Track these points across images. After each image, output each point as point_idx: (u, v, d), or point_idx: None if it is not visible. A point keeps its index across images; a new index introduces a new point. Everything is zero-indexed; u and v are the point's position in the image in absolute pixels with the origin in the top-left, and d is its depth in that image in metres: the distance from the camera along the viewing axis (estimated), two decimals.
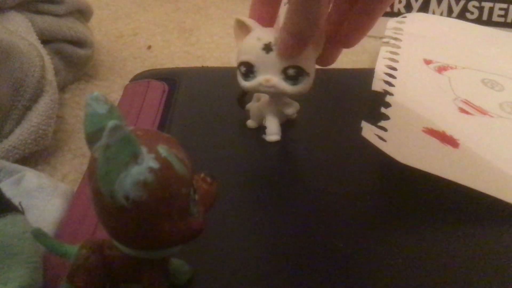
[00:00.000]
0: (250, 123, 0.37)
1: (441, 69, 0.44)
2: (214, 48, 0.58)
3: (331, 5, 0.35)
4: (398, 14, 0.57)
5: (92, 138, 0.19)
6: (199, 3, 0.68)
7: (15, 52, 0.38)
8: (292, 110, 0.35)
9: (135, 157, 0.18)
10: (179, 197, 0.19)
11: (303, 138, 0.37)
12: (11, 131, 0.37)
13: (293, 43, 0.31)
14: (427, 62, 0.45)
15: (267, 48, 0.32)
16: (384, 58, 0.43)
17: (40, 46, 0.42)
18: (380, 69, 0.40)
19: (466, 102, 0.39)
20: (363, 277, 0.26)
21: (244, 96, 0.37)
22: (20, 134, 0.37)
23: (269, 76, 0.33)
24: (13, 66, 0.38)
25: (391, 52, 0.44)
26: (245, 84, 0.34)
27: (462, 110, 0.38)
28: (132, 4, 0.68)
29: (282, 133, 0.36)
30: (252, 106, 0.37)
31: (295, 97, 0.35)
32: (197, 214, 0.20)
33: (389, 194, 0.32)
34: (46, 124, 0.38)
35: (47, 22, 0.46)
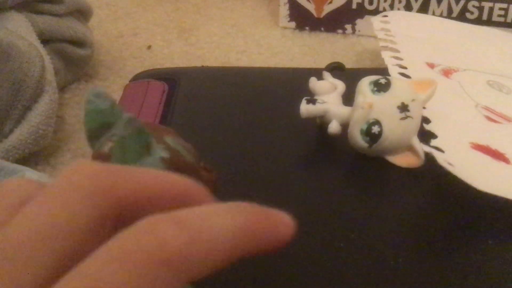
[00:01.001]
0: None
1: (446, 72, 0.44)
2: (214, 48, 0.58)
3: None
4: None
5: (94, 134, 0.19)
6: (199, 3, 0.68)
7: (15, 52, 0.38)
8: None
9: (148, 148, 0.19)
10: None
11: (304, 137, 0.37)
12: (11, 131, 0.37)
13: None
14: (430, 65, 0.44)
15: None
16: (393, 65, 0.42)
17: (40, 46, 0.42)
18: (398, 78, 0.39)
19: (488, 109, 0.39)
20: (363, 276, 0.26)
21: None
22: (20, 134, 0.37)
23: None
24: (13, 66, 0.38)
25: (395, 58, 0.43)
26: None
27: (490, 119, 0.37)
28: (132, 4, 0.68)
29: (285, 132, 0.35)
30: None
31: None
32: None
33: (390, 195, 0.32)
34: (46, 124, 0.38)
35: (47, 22, 0.46)
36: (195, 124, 0.38)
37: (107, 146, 0.19)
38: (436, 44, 0.50)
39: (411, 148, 0.32)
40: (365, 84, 0.32)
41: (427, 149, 0.31)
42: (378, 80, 0.32)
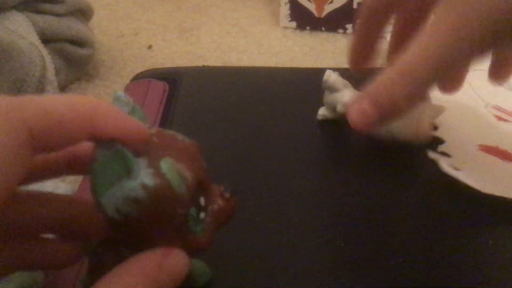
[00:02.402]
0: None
1: None
2: (215, 47, 0.58)
3: None
4: None
5: None
6: (200, 3, 0.68)
7: (16, 52, 0.38)
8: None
9: (128, 172, 0.17)
10: (174, 217, 0.19)
11: (305, 136, 0.37)
12: None
13: (373, 116, 0.24)
14: None
15: None
16: None
17: (41, 46, 0.43)
18: None
19: (498, 108, 0.39)
20: (364, 275, 0.26)
21: None
22: None
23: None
24: (14, 65, 0.38)
25: None
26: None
27: (500, 118, 0.38)
28: (133, 4, 0.68)
29: (286, 131, 0.35)
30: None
31: None
32: (201, 233, 0.20)
33: (389, 194, 0.32)
34: None
35: (48, 22, 0.46)
36: (196, 124, 0.38)
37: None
38: None
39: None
40: None
41: (432, 156, 0.31)
42: None
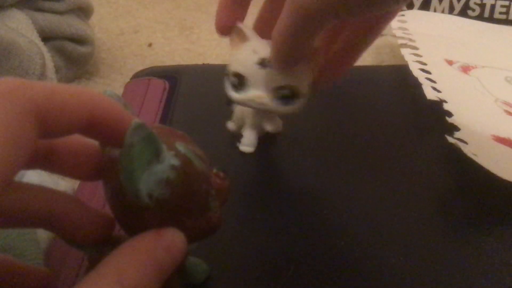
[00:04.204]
0: (231, 125, 0.36)
1: (465, 69, 0.45)
2: (215, 45, 0.57)
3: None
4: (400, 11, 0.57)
5: None
6: (200, 1, 0.68)
7: (15, 50, 0.38)
8: (273, 127, 0.34)
9: (157, 155, 0.18)
10: (200, 193, 0.20)
11: (304, 135, 0.37)
12: None
13: (282, 62, 0.29)
14: (449, 62, 0.45)
15: (263, 63, 0.30)
16: (414, 61, 0.43)
17: (40, 44, 0.42)
18: (418, 74, 0.40)
19: (507, 103, 0.40)
20: (365, 274, 0.26)
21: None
22: None
23: (261, 93, 0.30)
24: (14, 63, 0.38)
25: (415, 55, 0.44)
26: (234, 95, 0.32)
27: (509, 113, 0.39)
28: (133, 1, 0.68)
29: (289, 129, 0.35)
30: (237, 108, 0.35)
31: (284, 116, 0.34)
32: (215, 209, 0.21)
33: (389, 192, 0.32)
34: None
35: (48, 20, 0.46)
36: (196, 122, 0.38)
37: (117, 151, 0.18)
38: (454, 42, 0.51)
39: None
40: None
41: (452, 140, 0.32)
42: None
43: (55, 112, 0.16)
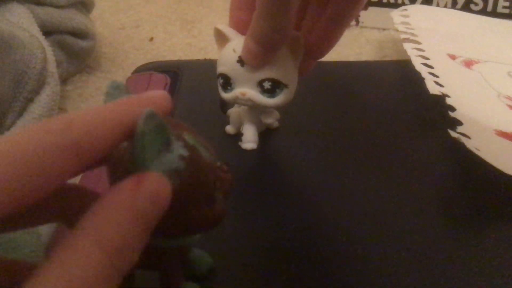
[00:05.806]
0: (229, 128, 0.36)
1: (468, 63, 0.45)
2: None
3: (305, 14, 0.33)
4: (402, 5, 0.57)
5: None
6: None
7: (16, 44, 0.38)
8: (270, 120, 0.35)
9: (167, 145, 0.18)
10: (207, 184, 0.20)
11: (307, 130, 0.37)
12: (13, 123, 0.37)
13: (259, 51, 0.29)
14: (452, 57, 0.45)
15: (241, 60, 0.31)
16: (416, 56, 0.43)
17: (41, 38, 0.42)
18: (421, 68, 0.40)
19: (510, 98, 0.40)
20: (365, 273, 0.26)
21: (226, 102, 0.36)
22: (22, 126, 0.37)
23: (245, 90, 0.31)
24: (15, 57, 0.38)
25: (417, 49, 0.44)
26: (224, 95, 0.33)
27: (511, 107, 0.39)
28: None
29: (290, 127, 0.35)
30: (232, 111, 0.36)
31: (275, 108, 0.34)
32: (219, 201, 0.21)
33: (389, 190, 0.32)
34: (48, 116, 0.38)
35: (49, 14, 0.46)
36: (197, 117, 0.38)
37: (125, 142, 0.18)
38: (456, 37, 0.51)
39: None
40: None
41: (455, 135, 0.32)
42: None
43: (93, 151, 0.16)
